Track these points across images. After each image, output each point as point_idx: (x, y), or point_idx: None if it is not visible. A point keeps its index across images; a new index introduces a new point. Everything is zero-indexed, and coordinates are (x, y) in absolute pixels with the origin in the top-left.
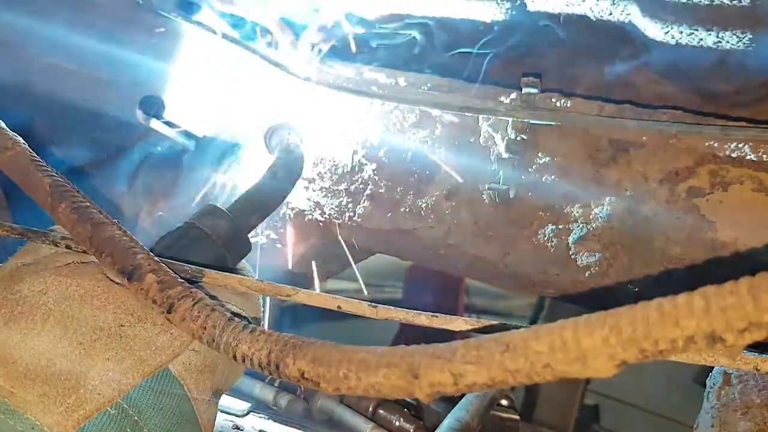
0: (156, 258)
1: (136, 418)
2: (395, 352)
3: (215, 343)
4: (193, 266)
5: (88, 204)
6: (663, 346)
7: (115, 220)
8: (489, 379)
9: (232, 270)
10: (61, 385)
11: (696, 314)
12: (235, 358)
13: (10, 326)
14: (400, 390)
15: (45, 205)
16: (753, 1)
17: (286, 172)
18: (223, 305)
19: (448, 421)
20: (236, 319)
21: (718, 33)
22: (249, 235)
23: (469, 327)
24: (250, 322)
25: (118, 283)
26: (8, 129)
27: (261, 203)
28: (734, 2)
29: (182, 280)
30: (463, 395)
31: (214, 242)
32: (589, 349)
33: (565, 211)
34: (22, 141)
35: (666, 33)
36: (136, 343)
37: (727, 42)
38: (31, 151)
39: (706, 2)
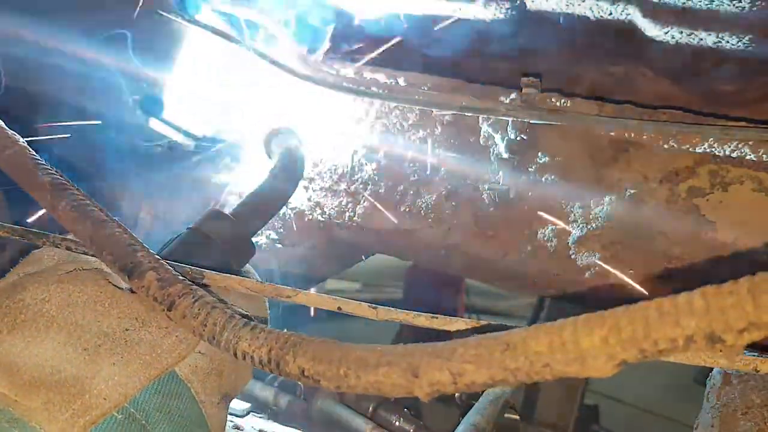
0: (157, 256)
1: (143, 422)
2: (395, 351)
3: (216, 341)
4: (193, 268)
5: (88, 202)
6: (663, 345)
7: (116, 218)
8: (488, 378)
9: (237, 273)
10: (66, 391)
11: (696, 314)
12: (235, 355)
13: (14, 335)
14: (399, 388)
15: (45, 204)
16: (752, 4)
17: (288, 174)
18: (225, 303)
19: (463, 426)
20: (237, 316)
21: (718, 33)
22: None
23: (469, 328)
24: (260, 323)
25: (121, 289)
26: (8, 128)
27: (264, 206)
28: (734, 2)
29: (183, 278)
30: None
31: (218, 246)
32: (588, 348)
33: (565, 211)
34: (21, 140)
35: (666, 33)
36: (141, 347)
37: (727, 42)
38: (30, 150)
39: (706, 3)
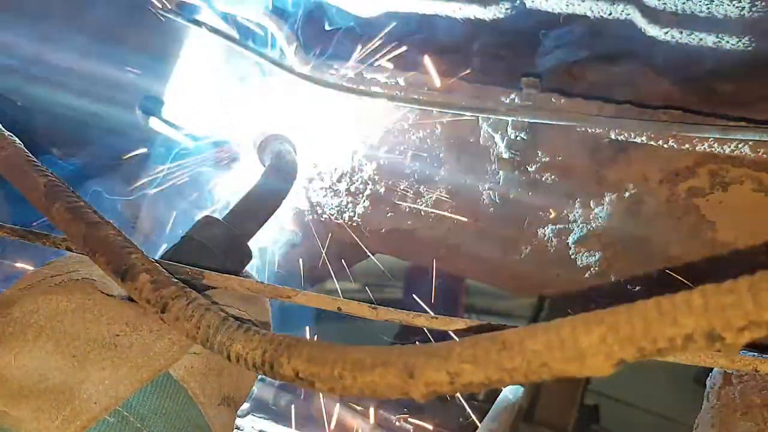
0: (151, 258)
1: (138, 425)
2: (391, 351)
3: (209, 343)
4: (192, 268)
5: (83, 204)
6: (661, 344)
7: (110, 220)
8: (486, 378)
9: None
10: (56, 398)
11: (695, 312)
12: (229, 358)
13: (2, 347)
14: (395, 389)
15: (39, 205)
16: (752, 5)
17: (281, 175)
18: (218, 306)
19: None
20: (231, 319)
21: (718, 33)
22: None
23: (469, 327)
24: (256, 326)
25: (111, 296)
26: (3, 129)
27: (258, 210)
28: (734, 2)
29: (176, 280)
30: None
31: (214, 253)
32: (586, 347)
33: (565, 211)
34: (17, 141)
35: (666, 33)
36: (132, 351)
37: (727, 42)
38: (26, 151)
39: (706, 3)
